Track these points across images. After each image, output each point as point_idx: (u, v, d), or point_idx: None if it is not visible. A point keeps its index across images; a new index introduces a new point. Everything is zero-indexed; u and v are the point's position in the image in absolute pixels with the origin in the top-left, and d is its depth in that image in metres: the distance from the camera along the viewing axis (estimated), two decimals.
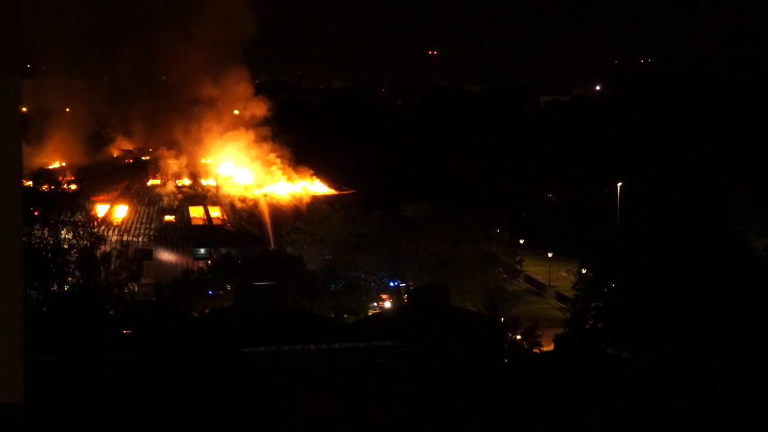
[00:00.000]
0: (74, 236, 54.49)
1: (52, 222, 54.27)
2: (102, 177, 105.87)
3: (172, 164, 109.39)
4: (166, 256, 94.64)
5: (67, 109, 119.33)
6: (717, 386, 42.62)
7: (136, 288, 51.40)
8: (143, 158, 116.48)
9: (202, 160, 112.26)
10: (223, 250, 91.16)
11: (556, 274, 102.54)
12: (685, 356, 44.12)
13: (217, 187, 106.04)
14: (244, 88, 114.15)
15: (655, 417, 42.78)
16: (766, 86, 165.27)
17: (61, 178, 65.28)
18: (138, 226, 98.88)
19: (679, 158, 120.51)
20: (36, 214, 54.81)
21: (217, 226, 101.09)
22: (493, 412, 44.83)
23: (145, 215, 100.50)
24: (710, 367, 43.23)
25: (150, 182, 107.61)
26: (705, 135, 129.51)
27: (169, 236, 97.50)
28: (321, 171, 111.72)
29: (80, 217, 58.63)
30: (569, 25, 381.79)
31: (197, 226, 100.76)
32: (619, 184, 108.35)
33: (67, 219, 56.48)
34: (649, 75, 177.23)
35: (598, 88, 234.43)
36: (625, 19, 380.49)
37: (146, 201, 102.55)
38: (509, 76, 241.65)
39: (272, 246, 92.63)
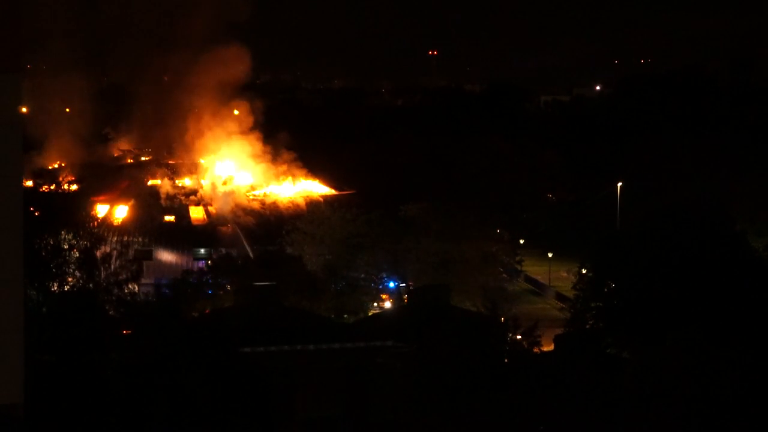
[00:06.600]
0: (74, 236, 54.57)
1: (52, 222, 54.35)
2: (102, 177, 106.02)
3: (173, 164, 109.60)
4: (166, 256, 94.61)
5: (67, 110, 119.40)
6: (717, 386, 42.62)
7: (136, 288, 51.46)
8: (143, 158, 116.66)
9: (202, 161, 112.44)
10: (223, 250, 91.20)
11: (556, 274, 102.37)
12: (685, 356, 44.11)
13: (215, 187, 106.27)
14: (244, 88, 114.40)
15: (655, 417, 42.79)
16: (767, 86, 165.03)
17: (61, 179, 65.46)
18: (138, 226, 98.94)
19: (679, 158, 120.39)
20: (36, 214, 54.93)
21: (216, 226, 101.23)
22: (493, 412, 44.86)
23: (145, 215, 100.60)
24: (710, 367, 43.22)
25: (150, 182, 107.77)
26: (705, 135, 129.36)
27: (169, 236, 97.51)
28: (321, 171, 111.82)
29: (80, 217, 58.73)
30: (569, 25, 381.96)
31: (197, 226, 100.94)
32: (619, 184, 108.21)
33: (68, 219, 56.57)
34: (649, 75, 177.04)
35: (598, 88, 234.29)
36: (625, 19, 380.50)
37: (146, 201, 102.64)
38: (509, 76, 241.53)
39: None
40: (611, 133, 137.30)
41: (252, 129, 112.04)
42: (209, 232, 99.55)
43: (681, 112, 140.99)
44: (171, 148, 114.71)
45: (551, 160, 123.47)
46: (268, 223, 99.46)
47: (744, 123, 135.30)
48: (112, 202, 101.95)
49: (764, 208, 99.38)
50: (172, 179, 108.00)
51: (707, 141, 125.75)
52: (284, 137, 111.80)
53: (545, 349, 53.13)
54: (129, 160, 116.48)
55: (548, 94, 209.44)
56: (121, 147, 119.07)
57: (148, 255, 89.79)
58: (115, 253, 54.44)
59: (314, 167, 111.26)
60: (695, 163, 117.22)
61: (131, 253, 73.86)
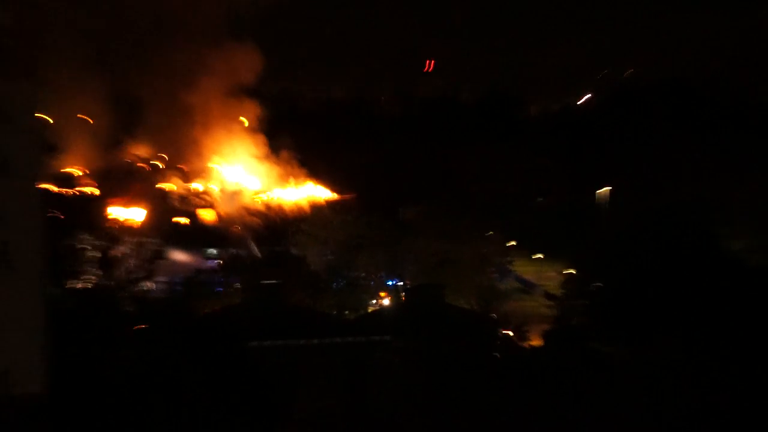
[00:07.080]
0: (92, 237, 57.15)
1: (71, 224, 56.90)
2: (117, 181, 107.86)
3: (184, 168, 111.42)
4: (179, 255, 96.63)
5: (80, 115, 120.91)
6: (708, 383, 44.35)
7: (150, 286, 53.61)
8: (156, 162, 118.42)
9: (211, 165, 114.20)
10: (233, 251, 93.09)
11: (545, 275, 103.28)
12: (675, 353, 45.76)
13: (224, 191, 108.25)
14: (250, 95, 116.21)
15: (644, 413, 44.60)
16: (766, 87, 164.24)
17: (78, 182, 67.72)
18: (151, 227, 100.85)
19: (673, 161, 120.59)
20: (56, 216, 57.47)
21: (226, 227, 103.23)
22: (484, 404, 46.93)
23: (158, 217, 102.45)
24: (701, 364, 44.96)
25: (162, 185, 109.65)
26: (704, 135, 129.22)
27: (180, 237, 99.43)
28: (323, 175, 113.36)
29: (97, 219, 61.26)
30: (562, 31, 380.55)
31: (207, 228, 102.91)
32: (608, 188, 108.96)
33: (85, 221, 59.07)
34: (644, 81, 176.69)
35: (590, 94, 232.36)
36: (618, 25, 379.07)
37: (159, 203, 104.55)
38: (503, 83, 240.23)
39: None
40: (604, 137, 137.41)
41: (258, 134, 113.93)
42: (219, 233, 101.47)
43: (678, 113, 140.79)
44: (182, 152, 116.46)
45: (543, 164, 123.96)
46: (274, 225, 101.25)
47: (744, 123, 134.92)
48: (127, 204, 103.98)
49: (753, 209, 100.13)
50: (183, 182, 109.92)
51: (706, 141, 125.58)
52: (288, 143, 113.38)
53: (534, 343, 55.03)
54: (142, 165, 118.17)
55: (541, 100, 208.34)
56: (135, 151, 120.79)
57: (161, 255, 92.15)
58: (130, 252, 56.95)
59: (317, 172, 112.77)
60: (693, 164, 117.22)
61: (145, 252, 76.29)
